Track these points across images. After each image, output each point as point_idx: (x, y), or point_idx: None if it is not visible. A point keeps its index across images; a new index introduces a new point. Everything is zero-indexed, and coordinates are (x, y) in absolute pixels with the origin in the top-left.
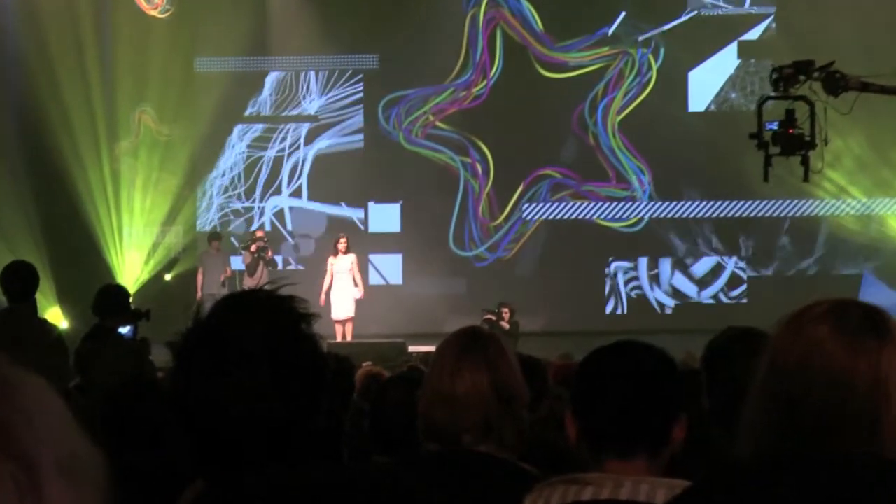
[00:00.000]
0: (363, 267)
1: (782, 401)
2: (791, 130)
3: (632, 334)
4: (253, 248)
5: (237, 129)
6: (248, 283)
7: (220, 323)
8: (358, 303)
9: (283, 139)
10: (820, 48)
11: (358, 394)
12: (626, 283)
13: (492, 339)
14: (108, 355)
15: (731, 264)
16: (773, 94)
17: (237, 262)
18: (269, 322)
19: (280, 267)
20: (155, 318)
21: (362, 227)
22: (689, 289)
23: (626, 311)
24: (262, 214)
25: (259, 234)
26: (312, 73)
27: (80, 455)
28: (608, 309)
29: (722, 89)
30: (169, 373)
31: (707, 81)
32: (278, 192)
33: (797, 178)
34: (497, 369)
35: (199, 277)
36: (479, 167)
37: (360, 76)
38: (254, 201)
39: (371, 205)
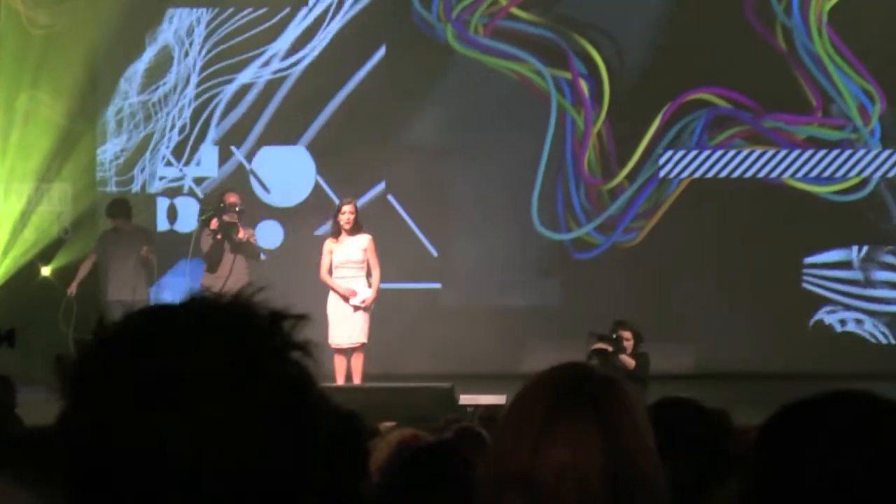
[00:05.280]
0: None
1: None
2: None
3: (850, 380)
4: (214, 223)
5: (169, 19)
6: (208, 281)
7: (141, 347)
8: (371, 317)
9: (250, 39)
10: None
11: (377, 473)
12: (841, 291)
13: (609, 384)
14: None
15: None
16: None
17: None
18: (227, 348)
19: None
20: (25, 339)
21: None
22: None
23: (840, 341)
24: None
25: (230, 198)
26: None
27: None
28: (808, 337)
29: None
30: (57, 423)
31: None
32: (241, 130)
33: None
34: (616, 435)
35: (83, 267)
36: (584, 87)
37: None
38: (196, 145)
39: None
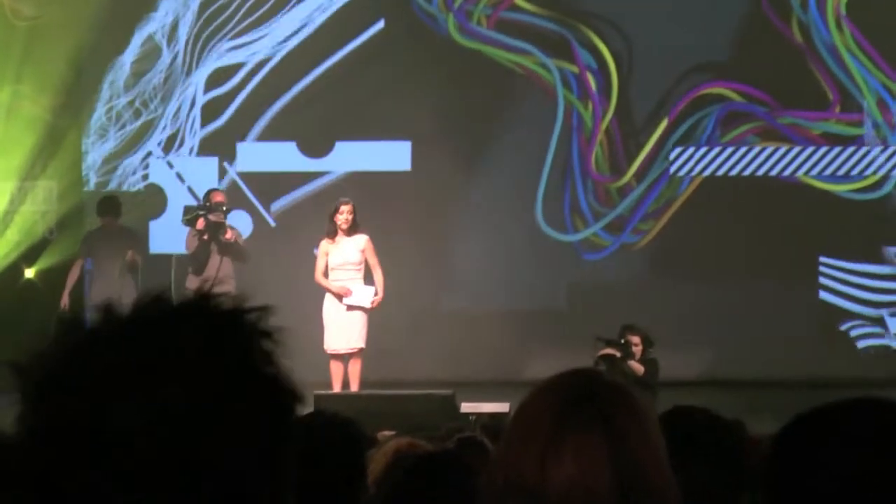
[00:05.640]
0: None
1: None
2: None
3: (870, 387)
4: (200, 223)
5: (158, 9)
6: (193, 283)
7: (105, 345)
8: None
9: (243, 29)
10: None
11: (374, 485)
12: (859, 298)
13: (618, 392)
14: None
15: None
16: None
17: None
18: (195, 342)
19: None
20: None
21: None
22: None
23: (858, 347)
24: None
25: (217, 197)
26: None
27: None
28: (826, 342)
29: None
30: (19, 426)
31: None
32: (231, 124)
33: None
34: (625, 445)
35: (72, 275)
36: (591, 81)
37: None
38: (188, 141)
39: (395, 146)
